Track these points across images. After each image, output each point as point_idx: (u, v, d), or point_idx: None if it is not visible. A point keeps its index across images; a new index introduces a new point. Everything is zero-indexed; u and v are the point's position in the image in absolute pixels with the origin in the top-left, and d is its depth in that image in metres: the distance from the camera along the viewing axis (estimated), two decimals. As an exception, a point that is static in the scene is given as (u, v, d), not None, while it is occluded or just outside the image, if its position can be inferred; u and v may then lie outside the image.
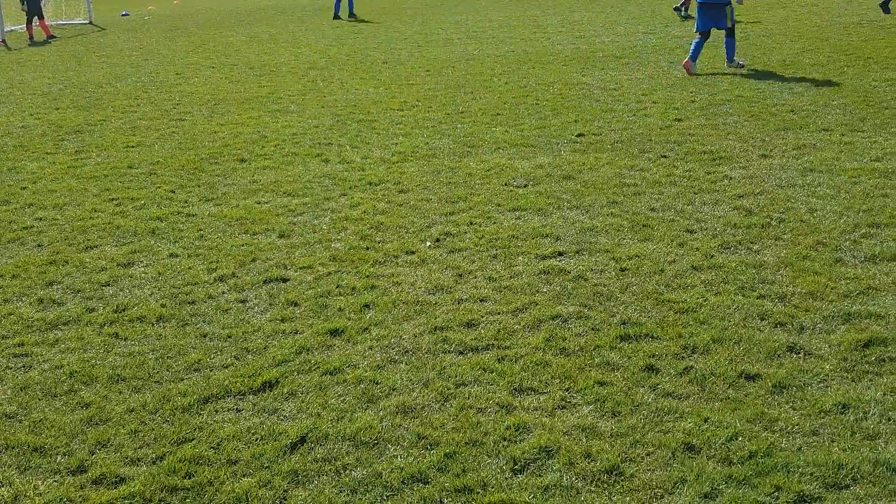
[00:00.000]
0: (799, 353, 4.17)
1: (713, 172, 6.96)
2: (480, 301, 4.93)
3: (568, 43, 14.44)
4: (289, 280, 5.39)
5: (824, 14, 15.39)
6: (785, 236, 5.58)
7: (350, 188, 7.15)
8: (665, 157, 7.48)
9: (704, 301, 4.76)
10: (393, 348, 4.46)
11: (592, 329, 4.52)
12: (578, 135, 8.35)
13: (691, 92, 9.88)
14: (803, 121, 8.27)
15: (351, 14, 20.28)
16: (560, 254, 5.52)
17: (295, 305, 5.02)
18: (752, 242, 5.53)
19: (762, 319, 4.51)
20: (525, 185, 6.92)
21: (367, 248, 5.82)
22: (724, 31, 11.07)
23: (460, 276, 5.30)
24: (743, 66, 10.98)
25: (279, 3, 26.21)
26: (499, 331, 4.56)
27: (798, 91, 9.51)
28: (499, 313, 4.76)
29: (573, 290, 4.99)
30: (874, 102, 8.75)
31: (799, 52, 11.83)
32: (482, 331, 4.58)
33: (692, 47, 11.00)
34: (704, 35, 10.97)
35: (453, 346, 4.44)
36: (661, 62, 11.98)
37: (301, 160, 8.08)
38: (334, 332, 4.65)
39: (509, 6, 20.92)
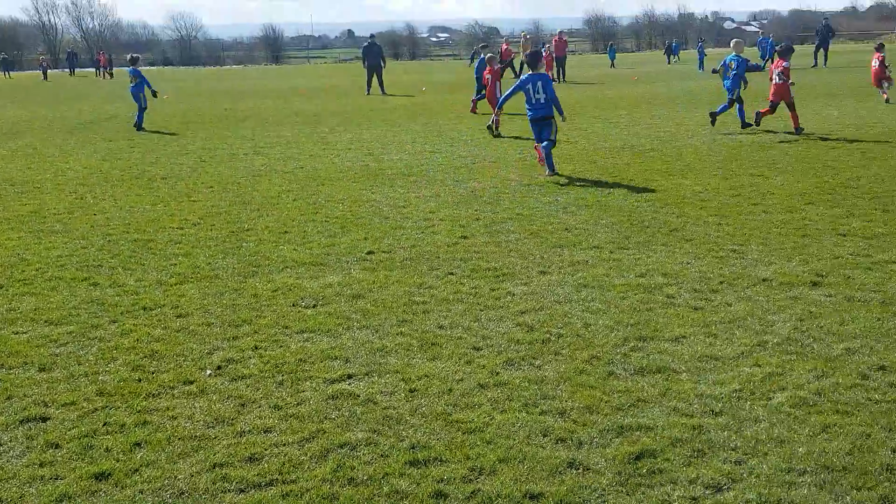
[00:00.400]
0: (578, 468, 4.26)
1: (497, 289, 7.17)
2: (264, 432, 4.73)
3: (357, 160, 14.71)
4: (49, 419, 4.95)
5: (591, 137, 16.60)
6: (563, 351, 5.78)
7: (121, 314, 6.77)
8: (452, 274, 7.64)
9: (491, 420, 4.80)
10: (166, 490, 4.16)
11: (382, 455, 4.43)
12: (368, 252, 8.41)
13: (476, 210, 10.26)
14: (577, 238, 8.75)
15: (140, 127, 20.01)
16: (350, 377, 5.44)
17: (56, 447, 4.60)
18: (534, 358, 5.68)
19: (544, 436, 4.60)
20: (314, 306, 6.83)
21: (140, 380, 5.47)
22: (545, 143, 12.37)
23: (243, 405, 5.08)
24: (556, 175, 12.33)
25: (46, 115, 25.25)
26: (284, 464, 4.38)
27: (571, 210, 10.10)
28: (284, 444, 4.58)
29: (363, 414, 4.90)
30: (637, 221, 9.41)
31: (571, 174, 12.61)
32: (266, 465, 4.37)
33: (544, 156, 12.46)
34: (540, 140, 12.49)
35: (234, 483, 4.20)
36: (448, 180, 12.41)
37: (66, 285, 7.60)
38: (100, 476, 4.28)
39: (297, 123, 21.16)
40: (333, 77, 49.17)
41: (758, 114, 16.69)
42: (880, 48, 22.13)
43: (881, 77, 21.42)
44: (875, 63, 21.60)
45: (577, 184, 11.81)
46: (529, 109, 12.52)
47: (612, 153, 14.65)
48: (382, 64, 31.87)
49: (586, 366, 5.52)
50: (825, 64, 38.96)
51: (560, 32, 39.69)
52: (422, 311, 6.68)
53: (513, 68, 32.07)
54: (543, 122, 12.39)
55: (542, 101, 12.33)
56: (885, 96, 20.96)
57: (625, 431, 4.62)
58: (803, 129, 16.11)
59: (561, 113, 12.53)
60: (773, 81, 16.27)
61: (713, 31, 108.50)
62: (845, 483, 4.04)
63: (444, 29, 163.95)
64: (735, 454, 4.35)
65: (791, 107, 16.04)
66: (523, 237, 8.88)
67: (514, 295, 7.00)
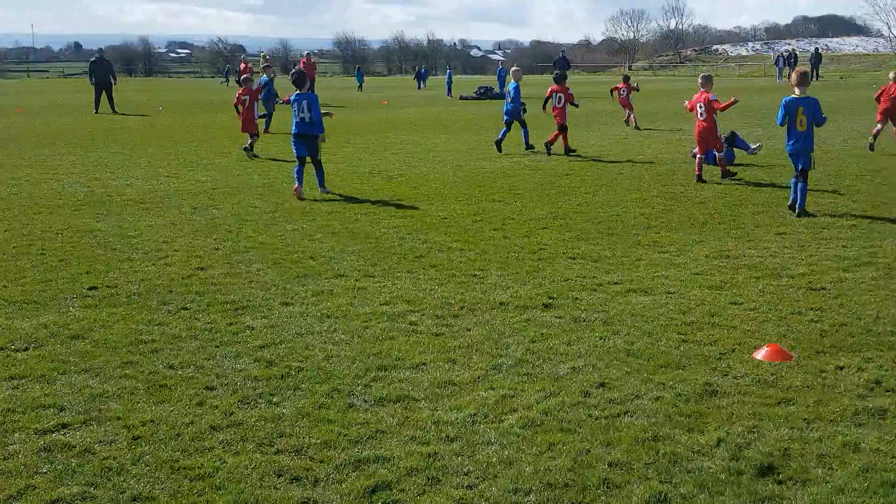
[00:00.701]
0: (314, 507, 4.16)
1: (235, 323, 6.93)
2: (-37, 495, 4.25)
3: (81, 185, 13.85)
4: None
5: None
6: (303, 385, 5.66)
7: None
8: (186, 308, 7.30)
9: (222, 463, 4.59)
10: None
11: (99, 511, 4.10)
12: (90, 288, 7.87)
13: (215, 239, 9.92)
14: (322, 267, 8.67)
15: None
16: (64, 426, 5.01)
17: None
18: (272, 394, 5.52)
19: (279, 476, 4.45)
20: (25, 349, 6.27)
21: None
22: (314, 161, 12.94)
23: (-61, 466, 4.54)
24: (329, 193, 12.98)
25: None
26: (-16, 529, 3.94)
27: (317, 238, 10.01)
28: (-15, 507, 4.13)
29: (78, 467, 4.53)
30: (383, 248, 9.49)
31: (318, 200, 12.53)
32: (-38, 532, 3.92)
33: (294, 174, 12.87)
34: (301, 161, 12.81)
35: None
36: (184, 207, 11.93)
37: None
38: None
39: (10, 143, 19.63)
40: (58, 93, 46.30)
41: (547, 144, 18.17)
42: (626, 79, 24.88)
43: (626, 105, 24.16)
44: (623, 92, 24.19)
45: (324, 210, 11.75)
46: (296, 127, 12.96)
47: (360, 179, 14.74)
48: (112, 81, 30.52)
49: (326, 399, 5.43)
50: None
51: (308, 54, 39.65)
52: (150, 350, 6.31)
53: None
54: (310, 140, 12.89)
55: (308, 119, 12.85)
56: (633, 122, 23.72)
57: (362, 465, 4.58)
58: (574, 151, 18.11)
59: (321, 132, 13.02)
60: (555, 106, 18.36)
61: (461, 58, 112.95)
62: (566, 499, 4.21)
63: (184, 44, 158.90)
64: (467, 479, 4.42)
65: (563, 129, 18.11)
66: (265, 267, 8.68)
67: (253, 329, 6.79)
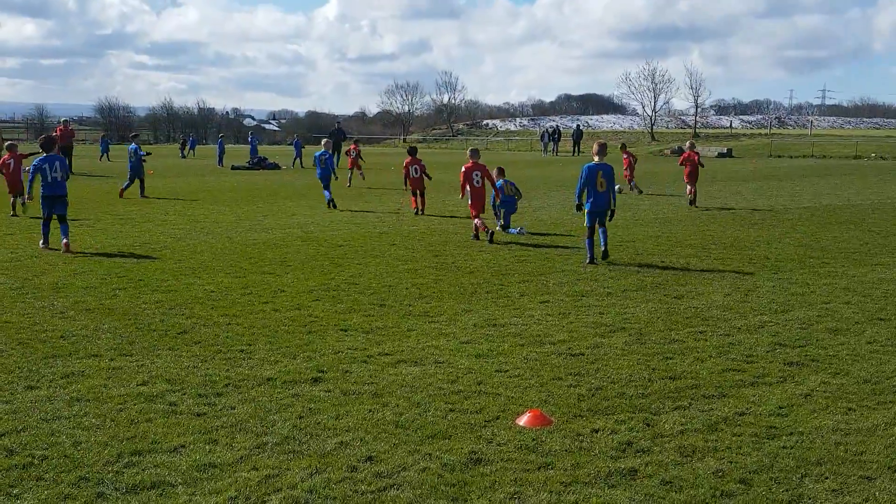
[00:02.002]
0: None
1: (-28, 410, 6.30)
2: None
3: None
4: None
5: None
6: (47, 475, 5.21)
7: None
8: (-86, 397, 6.57)
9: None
10: None
11: None
12: None
13: (-47, 319, 9.05)
14: (73, 346, 8.10)
15: None
16: None
17: None
18: (11, 486, 5.04)
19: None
20: None
21: None
22: None
23: None
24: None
25: None
26: None
27: (70, 315, 9.38)
28: None
29: None
30: (143, 325, 9.03)
31: (71, 275, 11.80)
32: None
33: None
34: (48, 220, 14.16)
35: None
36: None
37: None
38: None
39: None
40: None
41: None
42: (623, 147, 29.04)
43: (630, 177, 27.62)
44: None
45: (78, 286, 11.06)
46: (47, 188, 14.16)
47: (121, 251, 14.03)
48: None
49: (73, 489, 5.02)
50: (336, 165, 41.82)
51: (65, 121, 37.75)
52: None
53: None
54: (59, 199, 14.15)
55: (59, 179, 14.19)
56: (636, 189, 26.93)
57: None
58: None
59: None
60: (412, 176, 21.34)
61: (233, 126, 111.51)
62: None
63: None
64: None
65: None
66: (9, 348, 7.99)
67: (-8, 415, 6.21)
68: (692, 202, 22.76)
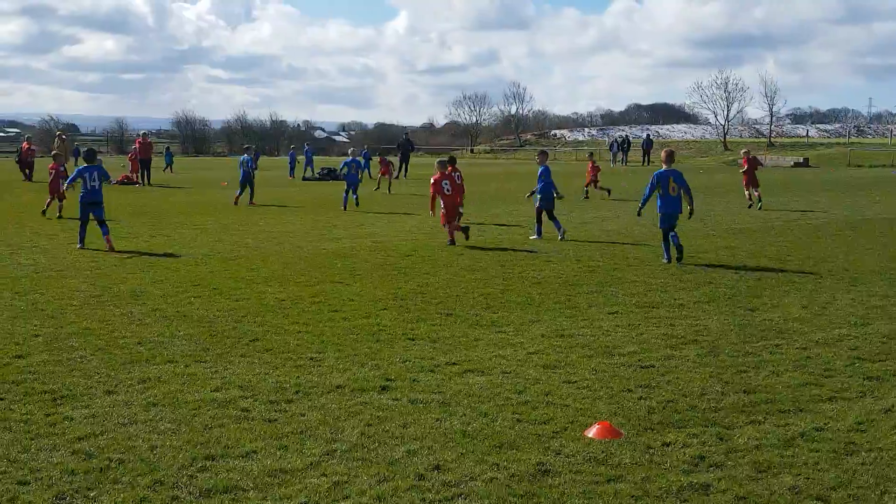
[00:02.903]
0: None
1: (53, 414, 6.50)
2: None
3: None
4: None
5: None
6: (124, 478, 5.34)
7: None
8: (0, 399, 6.81)
9: (29, 568, 4.23)
10: None
11: None
12: None
13: (36, 325, 9.36)
14: (150, 353, 8.30)
15: None
16: None
17: None
18: (89, 489, 5.17)
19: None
20: None
21: None
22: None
23: None
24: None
25: None
26: None
27: (147, 322, 9.61)
28: None
29: None
30: (217, 332, 9.20)
31: (149, 283, 12.10)
32: None
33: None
34: (85, 223, 15.71)
35: None
36: (4, 292, 11.24)
37: None
38: None
39: None
40: None
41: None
42: (590, 155, 32.09)
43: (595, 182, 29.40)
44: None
45: (156, 294, 11.33)
46: (89, 195, 15.66)
47: (196, 261, 14.35)
48: None
49: (149, 492, 5.14)
50: (405, 175, 42.14)
51: (144, 133, 38.77)
52: (-44, 445, 5.83)
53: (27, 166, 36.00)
54: (98, 206, 15.74)
55: (97, 187, 15.74)
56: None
57: (184, 563, 4.32)
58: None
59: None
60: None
61: (304, 139, 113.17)
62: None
63: (13, 123, 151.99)
64: (297, 574, 4.24)
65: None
66: (89, 354, 8.22)
67: (72, 419, 6.39)
68: (753, 205, 24.19)
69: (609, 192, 29.09)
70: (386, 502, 5.02)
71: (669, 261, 14.16)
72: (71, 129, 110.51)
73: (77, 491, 5.15)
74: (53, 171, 22.76)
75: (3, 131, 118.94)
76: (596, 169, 30.29)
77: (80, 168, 16.19)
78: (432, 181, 17.05)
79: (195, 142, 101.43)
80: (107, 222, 15.88)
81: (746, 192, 24.96)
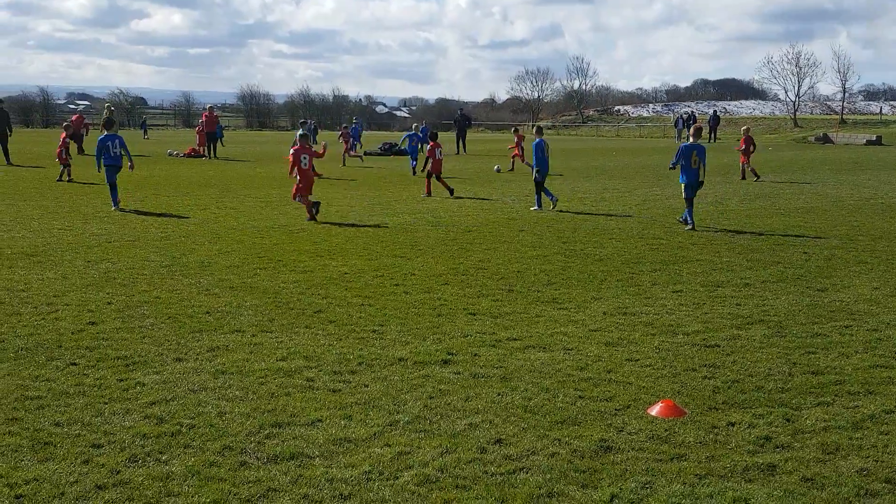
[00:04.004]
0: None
1: (126, 379, 6.70)
2: None
3: (-28, 239, 13.29)
4: None
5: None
6: (194, 443, 5.48)
7: None
8: (75, 364, 7.03)
9: (104, 526, 4.39)
10: None
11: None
12: (-25, 343, 7.52)
13: (108, 293, 9.61)
14: (218, 322, 8.47)
15: None
16: (-65, 489, 4.73)
17: None
18: (161, 452, 5.33)
19: (164, 540, 4.28)
20: None
21: None
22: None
23: None
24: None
25: None
26: None
27: (214, 292, 9.80)
28: None
29: (-53, 533, 4.27)
30: (282, 303, 9.35)
31: (216, 254, 12.32)
32: None
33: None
34: (113, 185, 17.38)
35: None
36: (77, 261, 11.56)
37: None
38: None
39: None
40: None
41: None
42: (515, 130, 31.13)
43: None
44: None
45: (222, 264, 11.54)
46: (112, 160, 17.29)
47: (261, 233, 14.56)
48: (9, 132, 30.02)
49: (217, 457, 5.27)
50: (464, 151, 42.09)
51: (210, 107, 39.29)
52: (36, 406, 6.05)
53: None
54: (118, 169, 17.49)
55: (119, 153, 17.43)
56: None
57: (251, 526, 4.44)
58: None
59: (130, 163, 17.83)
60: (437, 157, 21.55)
61: (366, 113, 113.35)
62: (462, 560, 4.15)
63: (83, 96, 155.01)
64: (361, 540, 4.32)
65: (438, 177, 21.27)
66: (159, 322, 8.43)
67: (144, 385, 6.57)
68: (745, 176, 26.36)
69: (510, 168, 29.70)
70: (449, 473, 5.08)
71: (693, 228, 15.32)
72: (139, 102, 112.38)
73: (149, 454, 5.30)
74: (61, 140, 24.96)
75: (74, 103, 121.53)
76: (520, 138, 30.49)
77: (101, 138, 17.48)
78: (291, 152, 16.99)
79: (259, 116, 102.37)
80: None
81: (749, 168, 26.76)
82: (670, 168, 16.79)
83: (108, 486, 4.84)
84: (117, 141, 17.54)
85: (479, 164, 33.41)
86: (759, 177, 26.39)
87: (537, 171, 18.54)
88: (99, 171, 17.70)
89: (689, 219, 15.59)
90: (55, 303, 9.12)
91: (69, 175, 23.79)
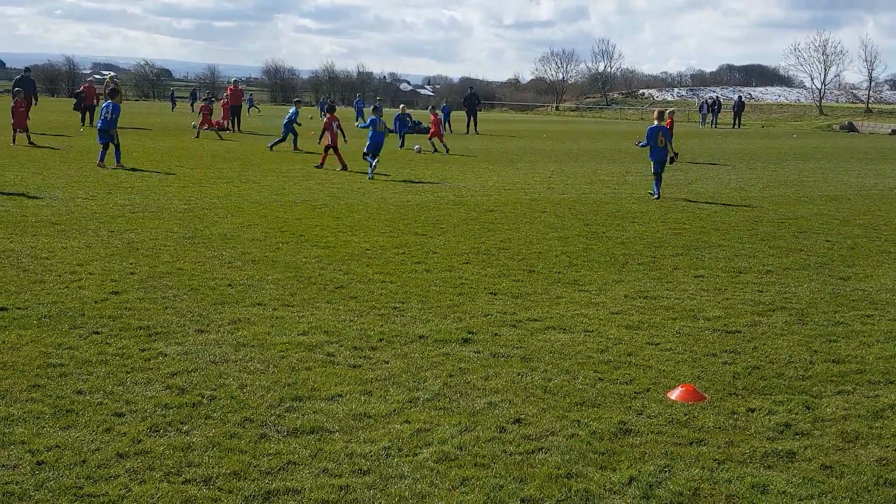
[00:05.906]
0: (220, 542, 4.04)
1: (148, 349, 6.75)
2: None
3: (-1, 206, 13.40)
4: None
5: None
6: (215, 414, 5.53)
7: None
8: (97, 333, 7.10)
9: (128, 492, 4.44)
10: None
11: (-9, 542, 3.92)
12: (1, 309, 7.59)
13: (131, 263, 9.68)
14: (240, 295, 8.52)
15: None
16: (-38, 451, 4.80)
17: None
18: (182, 423, 5.37)
19: (185, 508, 4.32)
20: (-74, 371, 6.01)
21: None
22: None
23: None
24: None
25: None
26: None
27: (237, 265, 9.85)
28: None
29: (-27, 495, 4.33)
30: (304, 278, 9.39)
31: (239, 228, 12.37)
32: None
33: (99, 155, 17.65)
34: (105, 146, 19.55)
35: None
36: (101, 230, 11.64)
37: None
38: None
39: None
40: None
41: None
42: (432, 109, 31.80)
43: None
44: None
45: (245, 238, 11.59)
46: (102, 123, 19.44)
47: (284, 207, 14.60)
48: (33, 101, 30.27)
49: (238, 429, 5.31)
50: (476, 131, 41.82)
51: (235, 81, 39.31)
52: (58, 374, 6.11)
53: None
54: (108, 134, 19.34)
55: (109, 119, 19.33)
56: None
57: (271, 496, 4.48)
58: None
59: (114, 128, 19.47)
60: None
61: (390, 91, 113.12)
62: (480, 537, 4.17)
63: (109, 66, 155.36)
64: (380, 514, 4.35)
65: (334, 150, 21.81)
66: (182, 293, 8.49)
67: (166, 355, 6.63)
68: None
69: (434, 149, 28.91)
70: (467, 451, 5.09)
71: (658, 196, 17.38)
72: (164, 74, 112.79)
73: (170, 424, 5.35)
74: (14, 105, 25.56)
75: (100, 73, 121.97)
76: (438, 122, 30.39)
77: (104, 105, 19.94)
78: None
79: (283, 91, 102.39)
80: (118, 146, 19.64)
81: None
82: (639, 146, 18.59)
83: (130, 455, 4.89)
84: (111, 107, 19.50)
85: (491, 144, 33.29)
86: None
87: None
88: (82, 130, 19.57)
89: (656, 190, 17.60)
90: (79, 271, 9.19)
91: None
